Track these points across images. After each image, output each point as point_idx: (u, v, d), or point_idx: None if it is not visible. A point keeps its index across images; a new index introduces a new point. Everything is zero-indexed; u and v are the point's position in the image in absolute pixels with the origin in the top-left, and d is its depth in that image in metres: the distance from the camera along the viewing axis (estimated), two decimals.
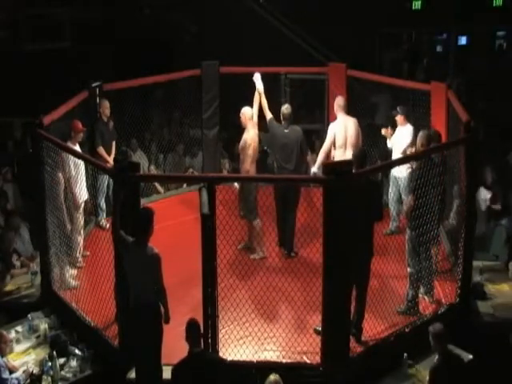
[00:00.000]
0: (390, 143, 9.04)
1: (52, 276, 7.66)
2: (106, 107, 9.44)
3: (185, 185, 10.65)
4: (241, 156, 8.38)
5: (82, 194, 8.15)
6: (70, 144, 8.16)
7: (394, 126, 9.11)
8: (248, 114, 8.41)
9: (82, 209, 8.25)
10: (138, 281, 5.92)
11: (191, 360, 5.42)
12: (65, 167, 7.75)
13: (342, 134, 8.54)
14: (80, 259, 8.12)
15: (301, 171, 8.64)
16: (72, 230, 7.88)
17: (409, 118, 8.95)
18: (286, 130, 8.49)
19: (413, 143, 8.36)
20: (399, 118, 8.90)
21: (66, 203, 7.78)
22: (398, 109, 8.93)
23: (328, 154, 8.70)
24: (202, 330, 5.63)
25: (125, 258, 6.00)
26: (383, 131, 9.15)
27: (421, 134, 7.78)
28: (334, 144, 8.63)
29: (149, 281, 5.92)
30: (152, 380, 6.00)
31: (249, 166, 8.23)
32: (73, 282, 7.70)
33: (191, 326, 5.51)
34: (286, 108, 8.64)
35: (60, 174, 7.65)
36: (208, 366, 5.44)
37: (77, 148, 8.26)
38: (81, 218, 8.25)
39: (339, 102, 8.80)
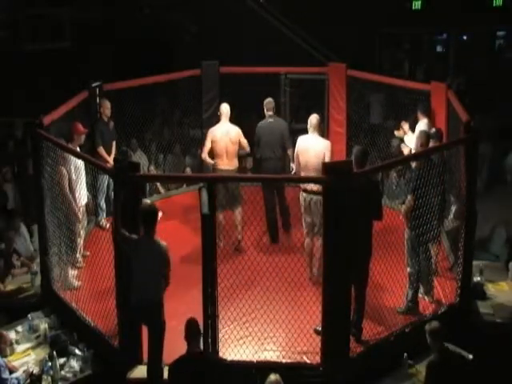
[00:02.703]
0: (407, 141, 8.94)
1: (52, 276, 7.66)
2: (106, 107, 9.44)
3: (184, 185, 10.67)
4: None
5: (82, 197, 8.13)
6: (71, 147, 8.13)
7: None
8: (221, 109, 8.75)
9: (82, 212, 8.22)
10: (146, 278, 5.92)
11: (189, 359, 5.43)
12: (66, 167, 7.73)
13: (303, 155, 7.85)
14: (80, 259, 8.11)
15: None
16: (74, 230, 7.85)
17: (425, 113, 8.93)
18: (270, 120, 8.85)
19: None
20: (418, 116, 8.91)
21: (71, 198, 7.75)
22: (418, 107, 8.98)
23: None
24: (201, 329, 5.63)
25: (132, 256, 6.01)
26: (396, 133, 9.11)
27: (419, 133, 7.78)
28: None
29: (156, 276, 5.94)
30: (153, 379, 6.01)
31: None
32: (75, 283, 7.70)
33: (190, 324, 5.53)
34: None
35: (62, 168, 7.60)
36: (205, 366, 5.45)
37: (77, 150, 8.27)
38: (81, 220, 8.23)
39: (313, 120, 7.95)
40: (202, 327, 6.11)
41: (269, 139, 8.79)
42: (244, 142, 8.71)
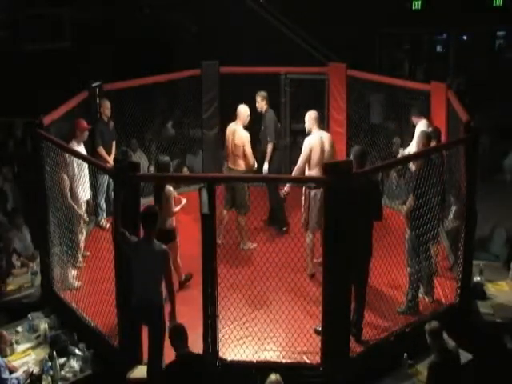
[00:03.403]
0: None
1: (52, 276, 7.66)
2: (106, 107, 9.43)
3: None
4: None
5: (85, 193, 8.13)
6: (75, 143, 8.17)
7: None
8: (237, 109, 8.73)
9: (84, 209, 8.24)
10: (146, 278, 5.93)
11: (182, 362, 5.46)
12: (68, 167, 7.72)
13: (318, 151, 7.85)
14: (80, 259, 8.11)
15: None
16: (74, 229, 7.84)
17: (421, 114, 8.97)
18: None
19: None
20: (412, 119, 8.96)
21: (72, 201, 7.74)
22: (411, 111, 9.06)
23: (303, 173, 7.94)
24: (186, 331, 5.64)
25: (132, 257, 6.01)
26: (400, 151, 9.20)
27: (420, 133, 7.79)
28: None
29: (156, 278, 5.95)
30: (153, 379, 6.02)
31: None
32: (75, 283, 7.68)
33: (175, 330, 5.58)
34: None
35: (64, 175, 7.61)
36: (196, 367, 5.49)
37: (81, 147, 8.28)
38: (83, 218, 8.23)
39: (312, 115, 8.02)
40: (201, 327, 6.13)
41: (279, 130, 9.27)
42: (247, 151, 8.57)
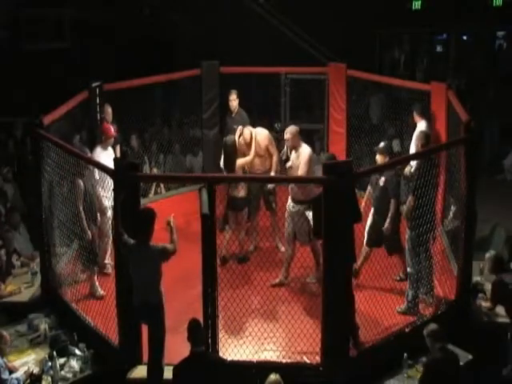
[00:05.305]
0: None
1: (52, 276, 7.65)
2: (108, 113, 9.19)
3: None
4: None
5: (110, 203, 7.98)
6: (99, 148, 8.11)
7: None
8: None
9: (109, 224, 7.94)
10: (144, 279, 5.93)
11: (192, 360, 5.42)
12: (88, 172, 7.50)
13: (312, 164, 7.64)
14: (108, 265, 7.85)
15: None
16: (94, 236, 7.53)
17: (422, 115, 8.96)
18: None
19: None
20: (415, 118, 8.96)
21: (89, 208, 7.47)
22: (413, 107, 9.00)
23: None
24: (203, 331, 5.62)
25: (129, 259, 6.01)
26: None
27: (419, 134, 7.79)
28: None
29: (154, 278, 5.95)
30: (154, 378, 6.02)
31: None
32: (100, 291, 7.50)
33: (193, 325, 5.51)
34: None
35: (80, 181, 7.31)
36: (209, 366, 5.44)
37: (108, 152, 8.15)
38: (108, 222, 8.02)
39: (294, 130, 7.57)
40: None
41: None
42: None
